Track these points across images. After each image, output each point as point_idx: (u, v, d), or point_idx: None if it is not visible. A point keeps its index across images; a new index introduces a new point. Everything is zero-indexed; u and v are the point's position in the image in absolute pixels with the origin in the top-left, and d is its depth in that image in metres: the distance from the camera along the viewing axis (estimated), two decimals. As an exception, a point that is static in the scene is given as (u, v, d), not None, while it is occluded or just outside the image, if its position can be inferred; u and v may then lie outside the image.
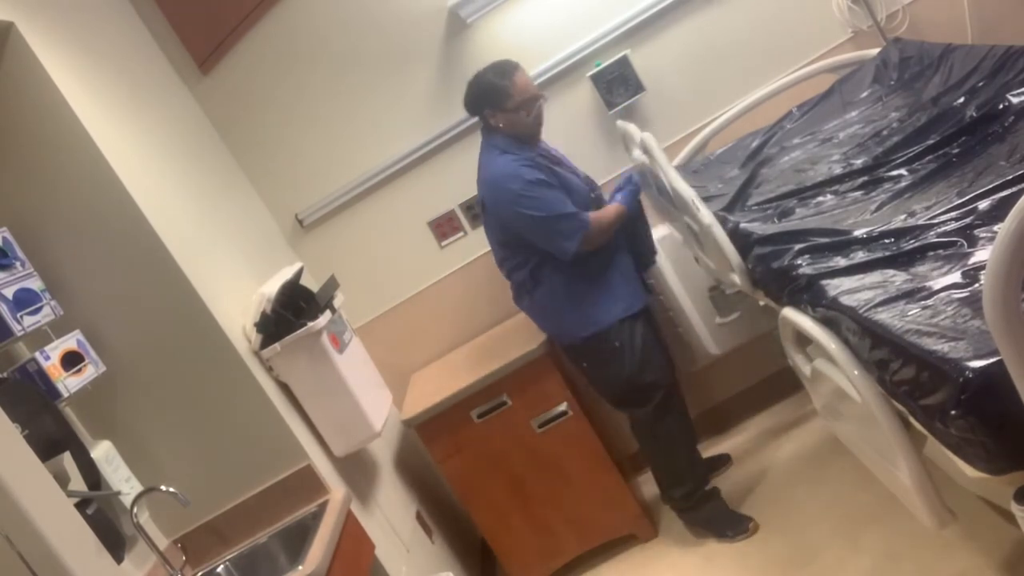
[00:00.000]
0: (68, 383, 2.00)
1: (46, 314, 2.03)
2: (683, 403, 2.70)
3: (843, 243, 1.76)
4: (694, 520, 2.69)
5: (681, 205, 2.24)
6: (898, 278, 1.52)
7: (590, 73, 2.93)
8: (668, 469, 2.70)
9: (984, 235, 1.49)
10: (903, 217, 1.73)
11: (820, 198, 2.08)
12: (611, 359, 2.55)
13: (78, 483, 1.91)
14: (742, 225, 2.10)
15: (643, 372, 2.56)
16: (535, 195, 2.41)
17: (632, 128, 2.53)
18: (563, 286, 2.53)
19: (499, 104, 2.47)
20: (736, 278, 2.10)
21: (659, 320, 2.78)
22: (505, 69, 2.48)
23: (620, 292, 2.54)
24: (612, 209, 2.52)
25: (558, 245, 2.44)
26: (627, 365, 2.55)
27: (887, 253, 1.62)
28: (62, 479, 1.84)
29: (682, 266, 2.82)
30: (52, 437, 1.90)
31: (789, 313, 1.81)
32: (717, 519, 2.64)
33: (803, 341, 1.96)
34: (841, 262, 1.69)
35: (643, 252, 2.68)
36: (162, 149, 2.50)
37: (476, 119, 2.62)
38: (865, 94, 2.51)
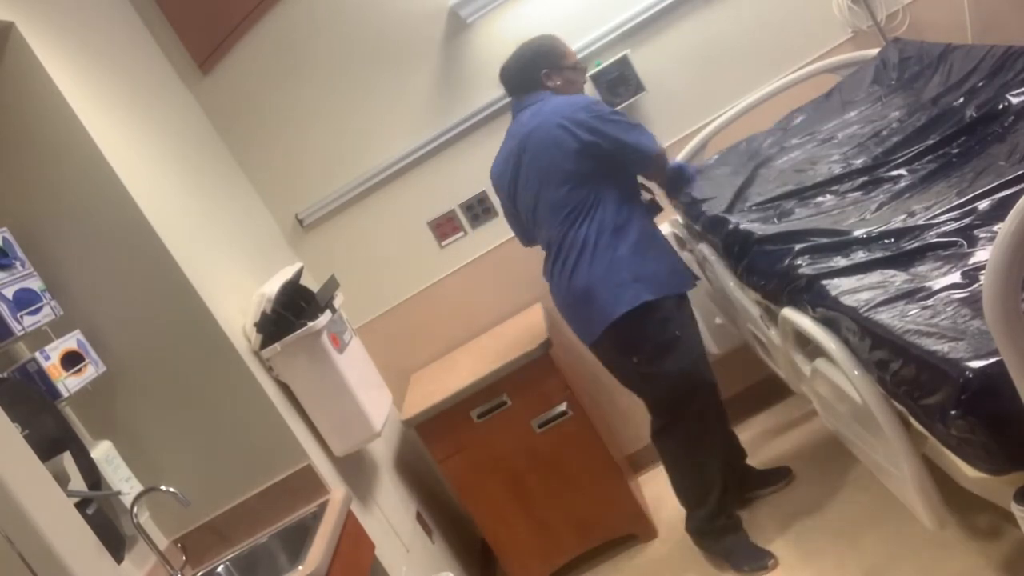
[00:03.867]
0: (68, 383, 2.00)
1: (46, 314, 2.03)
2: (725, 414, 2.55)
3: (843, 243, 1.76)
4: (712, 549, 2.52)
5: (744, 314, 2.26)
6: (898, 278, 1.52)
7: (590, 73, 2.91)
8: (694, 485, 2.48)
9: (984, 235, 1.49)
10: (903, 217, 1.73)
11: (820, 198, 2.08)
12: (668, 348, 2.31)
13: (78, 483, 1.91)
14: (742, 226, 2.10)
15: (698, 366, 2.37)
16: (612, 110, 2.38)
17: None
18: (634, 231, 2.32)
19: (558, 62, 2.40)
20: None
21: None
22: (550, 35, 2.47)
23: (677, 260, 2.41)
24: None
25: (645, 142, 2.33)
26: (683, 357, 2.32)
27: (887, 253, 1.62)
28: (62, 479, 1.84)
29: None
30: (52, 437, 1.90)
31: (789, 313, 1.81)
32: (736, 552, 2.45)
33: (803, 341, 1.96)
34: (841, 262, 1.69)
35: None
36: (162, 149, 2.50)
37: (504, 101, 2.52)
38: (865, 94, 2.51)
